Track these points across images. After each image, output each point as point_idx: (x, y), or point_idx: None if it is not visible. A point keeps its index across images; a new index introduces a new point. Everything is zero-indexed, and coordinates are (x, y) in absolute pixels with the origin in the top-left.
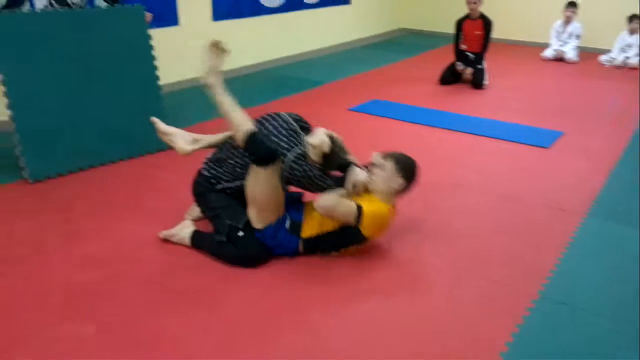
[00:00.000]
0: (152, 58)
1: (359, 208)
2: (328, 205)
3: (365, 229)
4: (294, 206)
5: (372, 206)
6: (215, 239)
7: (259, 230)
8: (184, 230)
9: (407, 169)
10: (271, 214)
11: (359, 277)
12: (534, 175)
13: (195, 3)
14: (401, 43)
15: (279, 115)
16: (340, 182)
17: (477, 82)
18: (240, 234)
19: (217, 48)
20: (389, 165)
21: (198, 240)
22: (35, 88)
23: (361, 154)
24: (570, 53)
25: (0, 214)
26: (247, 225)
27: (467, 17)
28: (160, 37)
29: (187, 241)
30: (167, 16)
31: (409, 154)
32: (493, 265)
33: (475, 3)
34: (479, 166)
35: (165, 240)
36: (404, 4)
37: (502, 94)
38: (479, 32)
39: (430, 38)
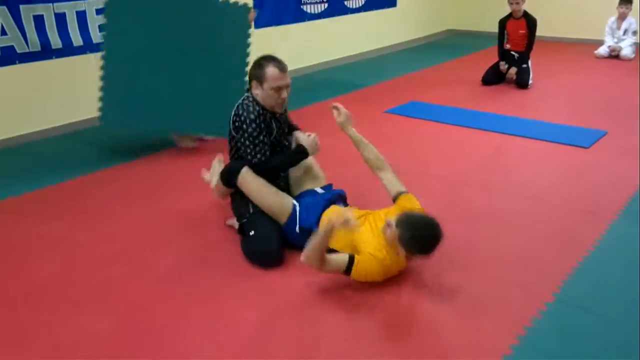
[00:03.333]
0: (247, 54)
1: (351, 260)
2: (313, 266)
3: (358, 277)
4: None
5: (369, 257)
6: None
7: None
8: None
9: (413, 243)
10: (277, 216)
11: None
12: (568, 175)
13: None
14: (447, 44)
15: None
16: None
17: (521, 82)
18: (252, 232)
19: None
20: (395, 231)
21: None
22: (131, 53)
23: (388, 155)
24: (626, 50)
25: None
26: (260, 224)
27: (510, 16)
28: None
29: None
30: None
31: (431, 216)
32: (508, 266)
33: (517, 3)
34: (511, 166)
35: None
36: (452, 5)
37: (548, 93)
38: (523, 32)
39: (478, 39)
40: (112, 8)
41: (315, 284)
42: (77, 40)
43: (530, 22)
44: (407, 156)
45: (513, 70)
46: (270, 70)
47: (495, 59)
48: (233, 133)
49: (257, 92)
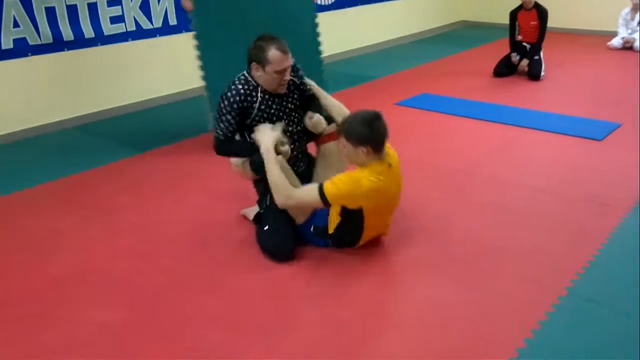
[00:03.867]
0: (317, 34)
1: (320, 187)
2: (282, 203)
3: (342, 202)
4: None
5: (341, 178)
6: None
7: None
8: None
9: (360, 132)
10: (298, 216)
11: (374, 265)
12: (580, 168)
13: None
14: (459, 36)
15: None
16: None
17: (533, 73)
18: (266, 227)
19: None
20: (344, 142)
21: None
22: (222, 52)
23: (398, 147)
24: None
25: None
26: (274, 220)
27: (521, 7)
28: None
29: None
30: None
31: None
32: (521, 259)
33: None
34: (522, 159)
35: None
36: None
37: (560, 85)
38: (534, 23)
39: (490, 30)
40: None
41: (327, 278)
42: (88, 32)
43: (542, 13)
44: (417, 148)
45: (525, 62)
46: (272, 53)
47: (507, 50)
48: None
49: (259, 74)
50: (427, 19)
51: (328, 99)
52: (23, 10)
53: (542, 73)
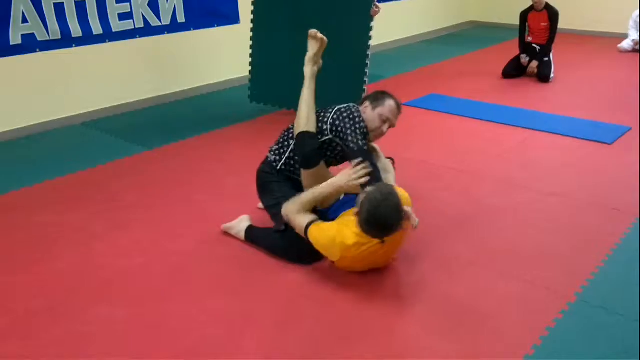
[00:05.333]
0: (369, 38)
1: (308, 227)
2: (286, 214)
3: (319, 249)
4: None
5: (326, 230)
6: (274, 229)
7: None
8: (241, 224)
9: (367, 228)
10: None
11: (384, 271)
12: (589, 172)
13: None
14: (468, 36)
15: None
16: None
17: (543, 75)
18: (283, 227)
19: (316, 38)
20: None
21: (252, 235)
22: (272, 34)
23: (408, 148)
24: None
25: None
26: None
27: (532, 8)
28: (222, 35)
29: (242, 235)
30: (229, 15)
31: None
32: (530, 264)
33: None
34: (531, 162)
35: (225, 234)
36: None
37: (569, 87)
38: (545, 24)
39: (501, 30)
40: None
41: (336, 282)
42: (97, 28)
43: (553, 15)
44: (425, 149)
45: (534, 63)
46: (391, 102)
47: (517, 51)
48: (335, 121)
49: (366, 111)
50: (436, 19)
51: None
52: (32, 6)
53: (552, 75)
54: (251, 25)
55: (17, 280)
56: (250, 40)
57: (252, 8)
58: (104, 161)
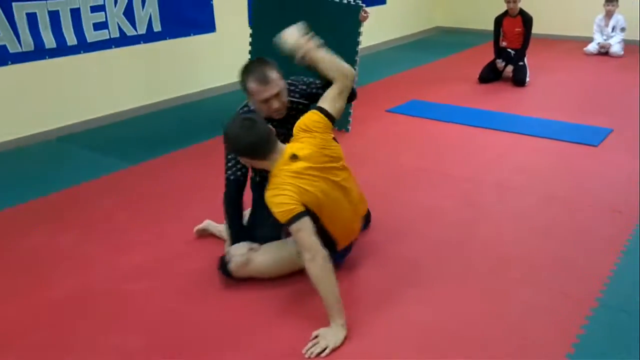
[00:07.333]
0: (357, 43)
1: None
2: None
3: (289, 214)
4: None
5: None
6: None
7: None
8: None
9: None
10: None
11: (397, 280)
12: (584, 174)
13: (230, 10)
14: (438, 42)
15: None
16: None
17: (518, 79)
18: None
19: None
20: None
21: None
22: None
23: (401, 155)
24: (615, 47)
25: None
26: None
27: (506, 14)
28: (197, 44)
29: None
30: (205, 23)
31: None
32: (543, 269)
33: (514, 2)
34: (523, 166)
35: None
36: (440, 2)
37: (545, 90)
38: (519, 29)
39: (467, 36)
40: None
41: (352, 294)
42: (71, 39)
43: (527, 20)
44: (417, 156)
45: (509, 68)
46: (251, 86)
47: (490, 56)
48: None
49: (251, 101)
50: (405, 25)
51: (325, 63)
52: (3, 17)
53: (527, 79)
54: (247, 32)
55: (10, 313)
56: (250, 45)
57: (245, 15)
58: (88, 178)
